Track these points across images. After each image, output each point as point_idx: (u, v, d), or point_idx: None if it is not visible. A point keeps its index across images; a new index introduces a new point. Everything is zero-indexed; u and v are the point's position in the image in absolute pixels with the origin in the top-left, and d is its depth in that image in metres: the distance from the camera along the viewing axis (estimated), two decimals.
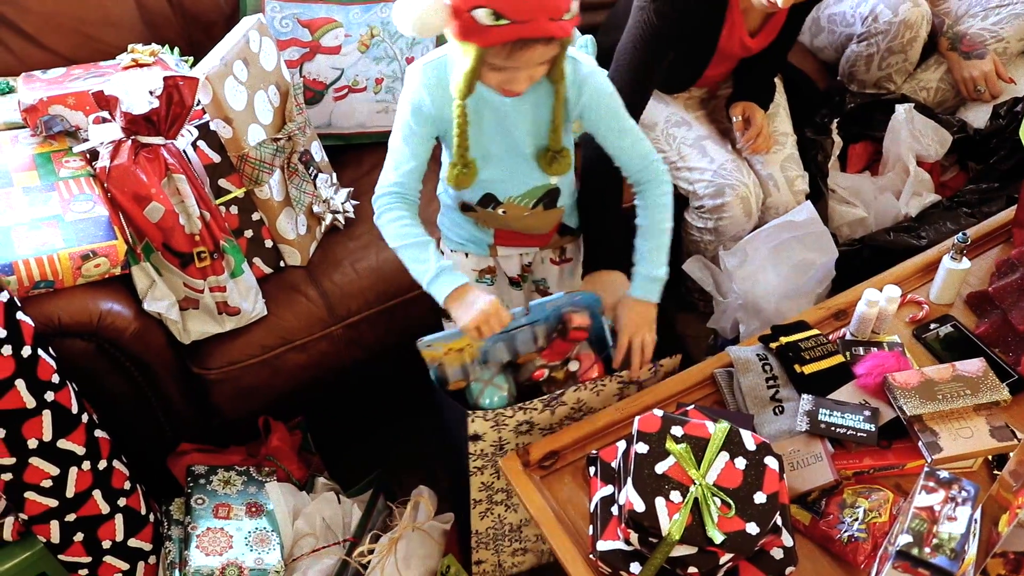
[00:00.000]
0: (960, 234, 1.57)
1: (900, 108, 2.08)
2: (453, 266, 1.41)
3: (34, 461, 1.38)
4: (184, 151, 1.58)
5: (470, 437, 1.45)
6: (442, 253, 1.63)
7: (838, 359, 1.46)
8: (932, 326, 1.58)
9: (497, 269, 1.67)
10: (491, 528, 1.64)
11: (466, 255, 1.64)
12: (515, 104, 1.39)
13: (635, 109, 1.73)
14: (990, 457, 1.37)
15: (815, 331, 1.51)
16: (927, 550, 1.05)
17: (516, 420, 1.44)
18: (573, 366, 1.52)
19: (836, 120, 2.14)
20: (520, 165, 1.46)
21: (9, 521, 1.50)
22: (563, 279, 1.71)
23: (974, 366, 1.40)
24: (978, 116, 2.19)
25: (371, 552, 1.64)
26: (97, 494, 1.48)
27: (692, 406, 1.36)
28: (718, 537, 1.11)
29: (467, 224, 1.59)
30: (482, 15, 1.20)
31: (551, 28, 1.23)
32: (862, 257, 1.95)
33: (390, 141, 1.45)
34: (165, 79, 1.48)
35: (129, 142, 1.50)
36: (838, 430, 1.35)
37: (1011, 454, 1.15)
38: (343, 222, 1.86)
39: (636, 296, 1.49)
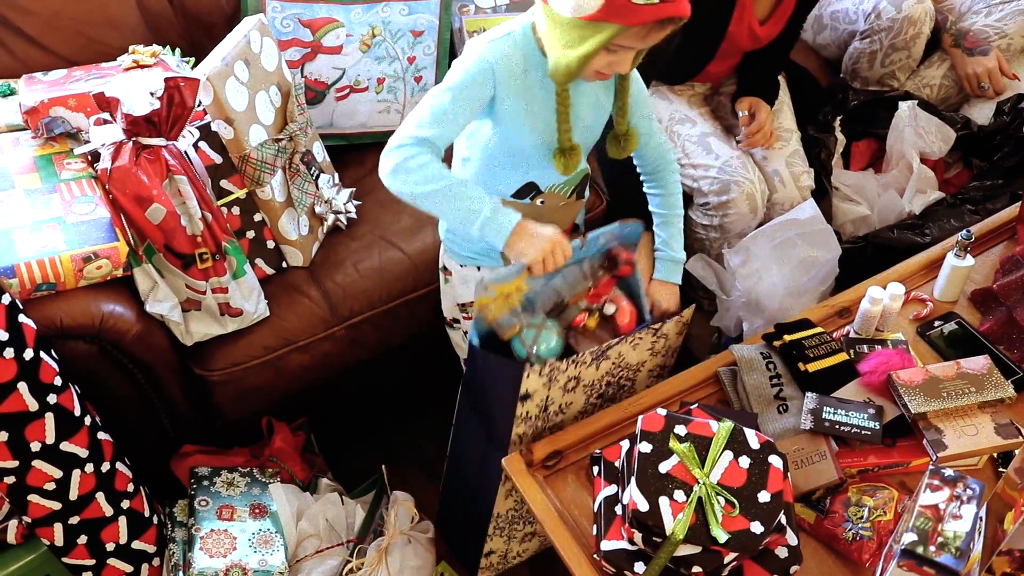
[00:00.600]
0: (964, 231, 1.57)
1: (903, 105, 2.07)
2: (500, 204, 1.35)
3: (37, 464, 1.38)
4: (185, 152, 1.58)
5: (521, 397, 1.38)
6: (446, 270, 1.64)
7: (842, 357, 1.46)
8: (936, 323, 1.57)
9: None
10: (512, 510, 1.61)
11: (478, 268, 1.61)
12: (582, 89, 1.42)
13: None
14: (995, 455, 1.36)
15: (819, 329, 1.51)
16: (932, 549, 1.05)
17: (567, 375, 1.43)
18: (609, 309, 1.52)
19: (839, 118, 2.13)
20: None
21: (12, 524, 1.50)
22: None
23: (979, 363, 1.40)
24: (982, 113, 2.18)
25: (358, 568, 1.62)
26: (100, 496, 1.48)
27: (696, 405, 1.35)
28: (722, 536, 1.10)
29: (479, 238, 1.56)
30: None
31: (687, 7, 1.26)
32: (865, 255, 1.94)
33: (433, 93, 1.35)
34: (166, 80, 1.48)
35: (130, 143, 1.50)
36: (842, 428, 1.34)
37: (1016, 451, 1.15)
38: (345, 222, 1.86)
39: (661, 278, 1.60)
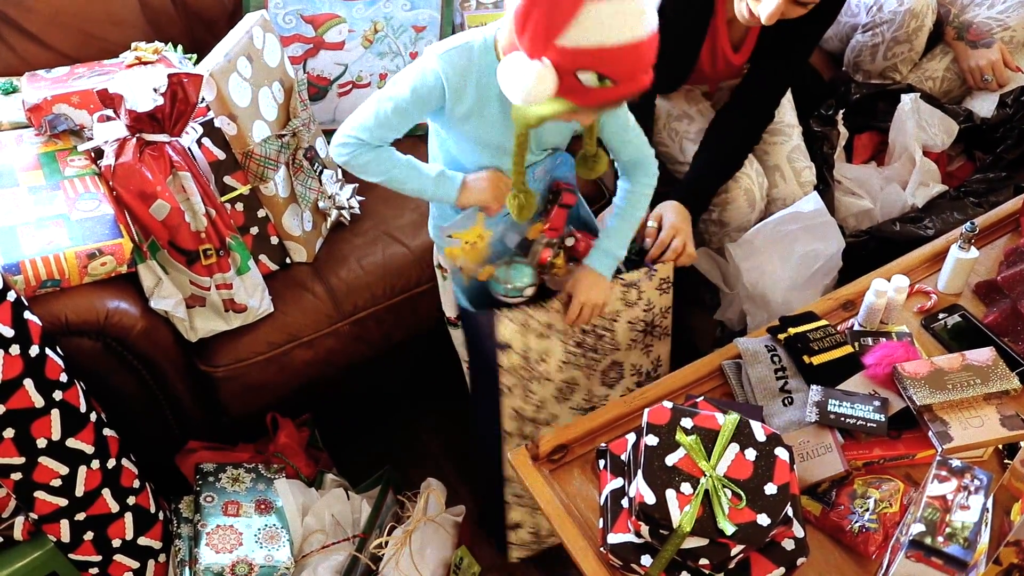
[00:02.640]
0: (968, 223, 1.57)
1: (906, 98, 2.07)
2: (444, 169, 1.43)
3: (43, 460, 1.38)
4: (189, 148, 1.58)
5: (499, 346, 1.47)
6: (442, 268, 1.64)
7: (847, 350, 1.46)
8: (941, 316, 1.57)
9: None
10: None
11: None
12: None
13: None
14: (1001, 446, 1.36)
15: (823, 322, 1.50)
16: (940, 539, 1.05)
17: (539, 321, 1.51)
18: (570, 241, 1.59)
19: (841, 111, 2.13)
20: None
21: (19, 521, 1.50)
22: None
23: (984, 355, 1.40)
24: (985, 105, 2.18)
25: (386, 544, 1.64)
26: (106, 493, 1.48)
27: (701, 398, 1.35)
28: (729, 529, 1.10)
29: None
30: (588, 78, 1.18)
31: (646, 80, 1.23)
32: (869, 248, 1.94)
33: (379, 98, 1.38)
34: (169, 76, 1.48)
35: (134, 140, 1.50)
36: (848, 420, 1.34)
37: (1022, 443, 1.15)
38: (348, 218, 1.86)
39: (596, 268, 1.54)
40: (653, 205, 1.71)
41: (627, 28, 1.16)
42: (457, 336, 1.75)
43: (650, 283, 1.63)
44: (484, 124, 1.38)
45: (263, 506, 1.67)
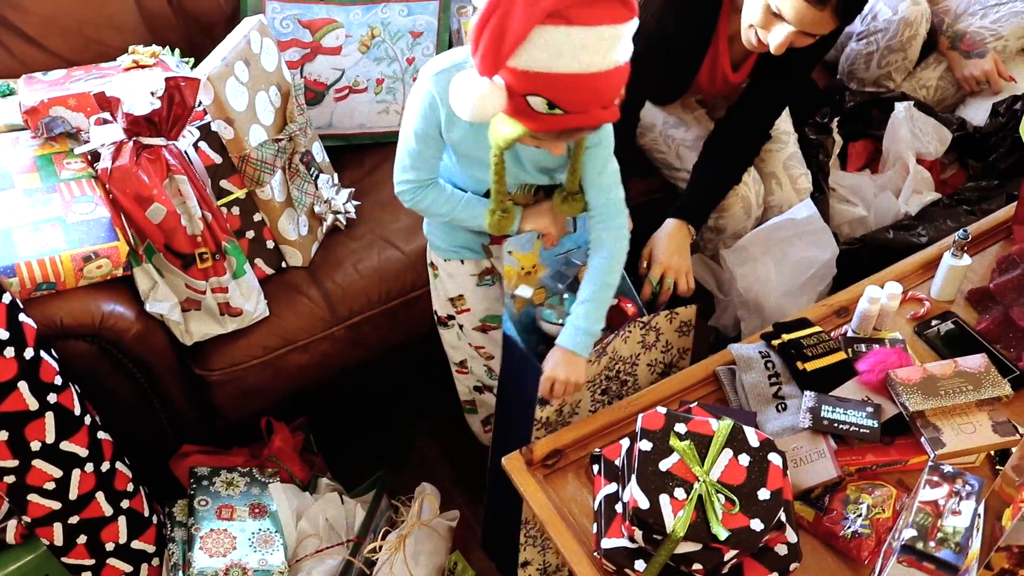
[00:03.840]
0: (961, 231, 1.58)
1: (900, 106, 2.08)
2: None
3: (37, 463, 1.38)
4: (185, 152, 1.58)
5: (540, 402, 1.44)
6: (433, 266, 1.66)
7: (840, 356, 1.46)
8: (933, 323, 1.58)
9: (495, 268, 1.67)
10: None
11: (461, 262, 1.62)
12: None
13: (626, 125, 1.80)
14: (992, 452, 1.37)
15: (817, 328, 1.51)
16: (932, 544, 1.05)
17: None
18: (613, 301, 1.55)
19: (836, 119, 2.14)
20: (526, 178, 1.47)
21: (12, 524, 1.50)
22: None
23: (976, 362, 1.41)
24: (978, 114, 2.20)
25: (380, 549, 1.64)
26: (100, 496, 1.48)
27: (695, 403, 1.36)
28: (722, 534, 1.11)
29: (458, 229, 1.57)
30: (537, 103, 1.17)
31: (602, 116, 1.21)
32: (863, 256, 1.95)
33: (403, 136, 1.42)
34: (166, 80, 1.48)
35: (131, 143, 1.50)
36: (841, 426, 1.35)
37: (1013, 449, 1.16)
38: (344, 223, 1.86)
39: (570, 348, 1.42)
40: (654, 213, 1.71)
41: (581, 58, 1.13)
42: (447, 336, 1.75)
43: (670, 326, 1.61)
44: (479, 141, 1.37)
45: (257, 510, 1.67)
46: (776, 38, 1.57)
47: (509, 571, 1.63)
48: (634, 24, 1.17)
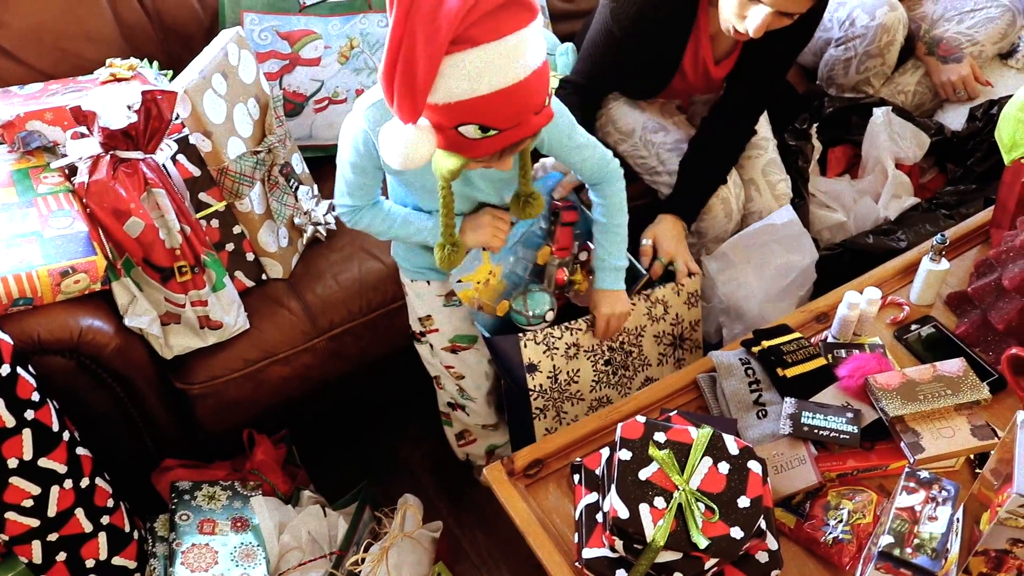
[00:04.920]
0: (939, 235, 1.59)
1: (878, 111, 2.10)
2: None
3: (14, 481, 1.36)
4: (163, 165, 1.57)
5: (527, 368, 1.55)
6: (403, 285, 1.68)
7: (820, 362, 1.47)
8: (913, 327, 1.59)
9: None
10: None
11: (427, 283, 1.63)
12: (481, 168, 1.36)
13: (591, 102, 1.87)
14: (972, 456, 1.37)
15: (797, 334, 1.52)
16: (908, 550, 1.06)
17: (564, 343, 1.60)
18: (583, 255, 1.65)
19: (815, 125, 2.15)
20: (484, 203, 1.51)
21: None
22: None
23: (954, 366, 1.41)
24: (955, 119, 2.21)
25: (362, 561, 1.63)
26: (80, 512, 1.47)
27: (675, 412, 1.36)
28: (703, 542, 1.11)
29: (421, 251, 1.59)
30: (470, 131, 1.16)
31: (538, 122, 1.20)
32: (843, 261, 1.95)
33: (339, 162, 1.43)
34: (143, 93, 1.47)
35: (108, 157, 1.49)
36: (821, 432, 1.35)
37: (992, 452, 1.16)
38: (324, 234, 1.86)
39: (606, 288, 1.59)
40: (637, 218, 1.72)
41: (499, 74, 1.12)
42: (424, 352, 1.76)
43: (678, 298, 1.70)
44: (417, 173, 1.37)
45: (239, 524, 1.66)
46: (754, 21, 1.58)
47: None
48: (539, 23, 1.16)
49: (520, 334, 1.56)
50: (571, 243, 1.62)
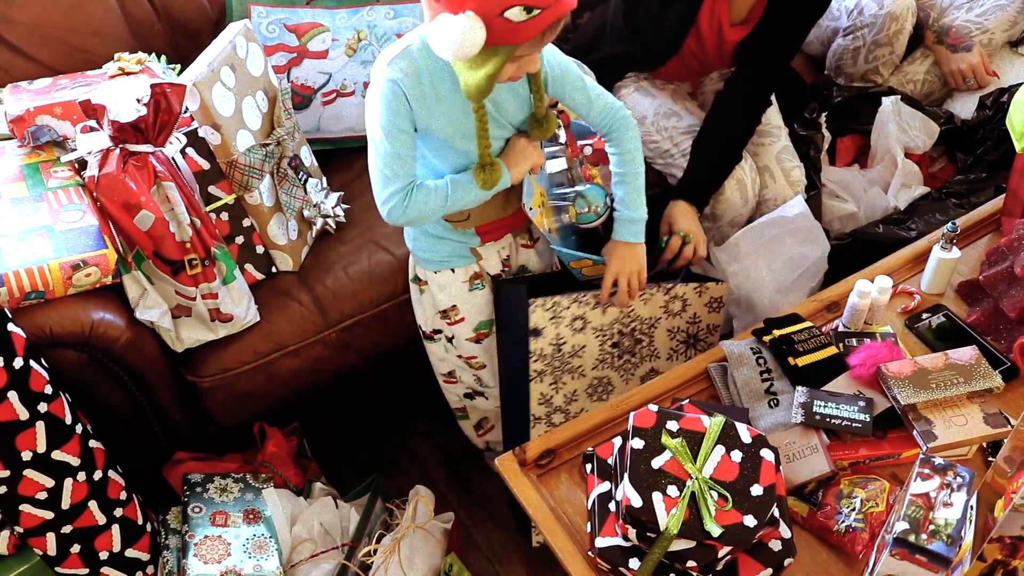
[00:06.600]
0: (949, 224, 1.58)
1: (887, 100, 2.09)
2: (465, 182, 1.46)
3: (28, 473, 1.37)
4: (173, 158, 1.58)
5: (531, 332, 1.56)
6: (420, 281, 1.67)
7: (831, 351, 1.47)
8: (924, 316, 1.58)
9: (483, 272, 1.67)
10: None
11: (452, 271, 1.63)
12: (500, 88, 1.39)
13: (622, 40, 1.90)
14: (985, 444, 1.37)
15: (808, 323, 1.51)
16: (924, 536, 1.05)
17: (571, 313, 1.59)
18: (588, 150, 1.68)
19: (824, 114, 2.14)
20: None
21: (4, 534, 1.49)
22: (541, 258, 1.73)
23: (967, 354, 1.41)
24: (965, 107, 2.20)
25: (375, 552, 1.64)
26: (93, 505, 1.47)
27: (687, 401, 1.36)
28: (716, 530, 1.11)
29: (446, 238, 1.59)
30: (515, 13, 1.20)
31: (569, 1, 1.25)
32: (853, 251, 1.95)
33: (372, 144, 1.42)
34: (152, 87, 1.48)
35: (117, 150, 1.50)
36: (833, 421, 1.35)
37: (1005, 440, 1.16)
38: (334, 226, 1.86)
39: (623, 239, 1.59)
40: (654, 206, 1.72)
41: None
42: (433, 349, 1.76)
43: (699, 299, 1.70)
44: (448, 116, 1.40)
45: (251, 516, 1.67)
46: None
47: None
48: None
49: (531, 300, 1.55)
50: (575, 141, 1.65)
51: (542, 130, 1.50)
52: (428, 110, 1.39)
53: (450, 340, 1.72)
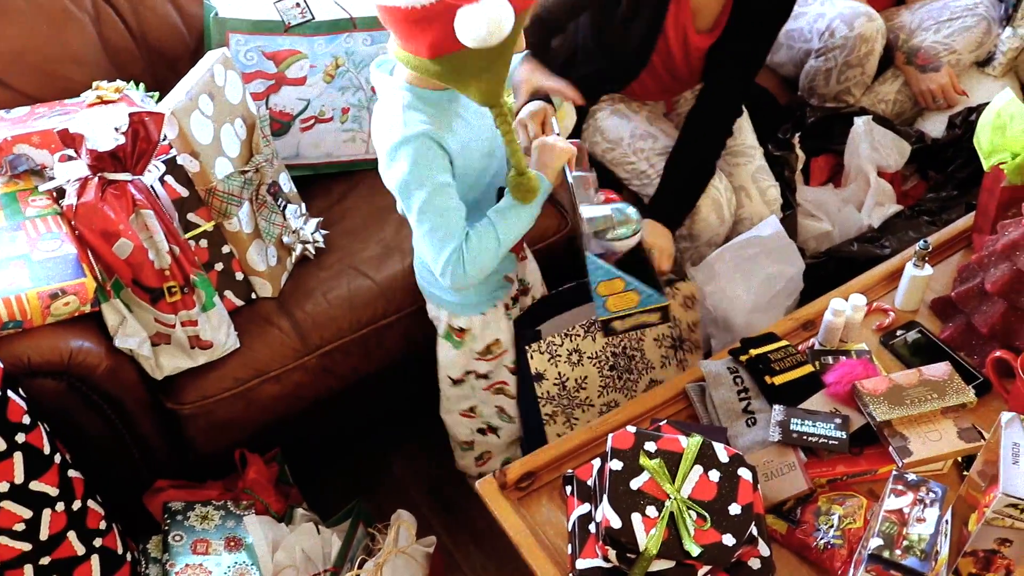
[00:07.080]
0: (922, 241, 1.60)
1: (859, 120, 2.12)
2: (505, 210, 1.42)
3: (6, 505, 1.36)
4: (151, 186, 1.58)
5: (534, 377, 1.62)
6: (459, 332, 1.65)
7: (807, 369, 1.48)
8: (899, 332, 1.61)
9: (517, 294, 1.70)
10: None
11: (495, 306, 1.64)
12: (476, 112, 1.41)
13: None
14: (959, 458, 1.39)
15: (784, 342, 1.53)
16: (898, 552, 1.07)
17: (566, 349, 1.65)
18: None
19: (798, 134, 2.18)
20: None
21: None
22: (531, 271, 1.76)
23: (940, 370, 1.43)
24: (935, 126, 2.24)
25: None
26: (72, 535, 1.46)
27: (665, 421, 1.37)
28: (695, 550, 1.12)
29: (492, 273, 1.48)
30: None
31: None
32: (828, 269, 1.97)
33: (423, 212, 1.36)
34: (131, 115, 1.48)
35: (96, 179, 1.50)
36: (810, 439, 1.36)
37: (978, 454, 1.18)
38: (313, 252, 1.86)
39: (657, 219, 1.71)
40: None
41: None
42: (457, 392, 1.76)
43: (673, 300, 1.74)
44: (476, 135, 1.41)
45: (233, 543, 1.66)
46: None
47: None
48: None
49: (528, 346, 1.62)
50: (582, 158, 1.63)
51: (525, 192, 1.40)
52: (463, 144, 1.37)
53: (484, 376, 1.72)
